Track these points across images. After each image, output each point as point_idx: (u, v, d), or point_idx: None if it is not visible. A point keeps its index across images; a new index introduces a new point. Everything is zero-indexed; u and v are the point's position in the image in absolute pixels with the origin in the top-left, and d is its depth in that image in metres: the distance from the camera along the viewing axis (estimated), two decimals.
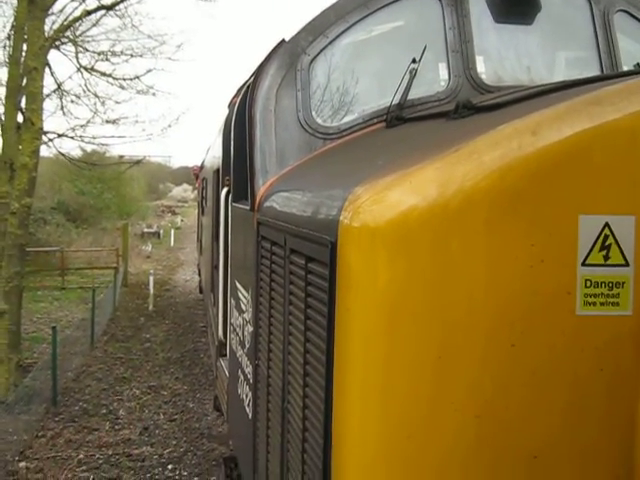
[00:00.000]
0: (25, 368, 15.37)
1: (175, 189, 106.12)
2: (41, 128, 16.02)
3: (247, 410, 5.45)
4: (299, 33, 5.32)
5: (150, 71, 21.98)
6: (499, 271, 2.71)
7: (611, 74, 4.53)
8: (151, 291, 24.64)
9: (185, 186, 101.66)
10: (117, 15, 20.21)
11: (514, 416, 2.74)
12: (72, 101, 20.85)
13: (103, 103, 21.30)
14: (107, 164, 31.00)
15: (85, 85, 20.76)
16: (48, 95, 19.46)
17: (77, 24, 19.43)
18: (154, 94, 22.34)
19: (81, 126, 20.61)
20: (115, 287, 24.61)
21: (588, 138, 2.72)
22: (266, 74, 5.20)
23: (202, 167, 19.45)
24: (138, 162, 27.18)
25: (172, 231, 51.13)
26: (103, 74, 21.13)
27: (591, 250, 2.73)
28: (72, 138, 20.51)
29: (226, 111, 8.75)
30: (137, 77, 21.70)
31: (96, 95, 21.13)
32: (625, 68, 5.60)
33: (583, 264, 2.74)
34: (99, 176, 43.59)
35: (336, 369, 2.91)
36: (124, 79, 21.53)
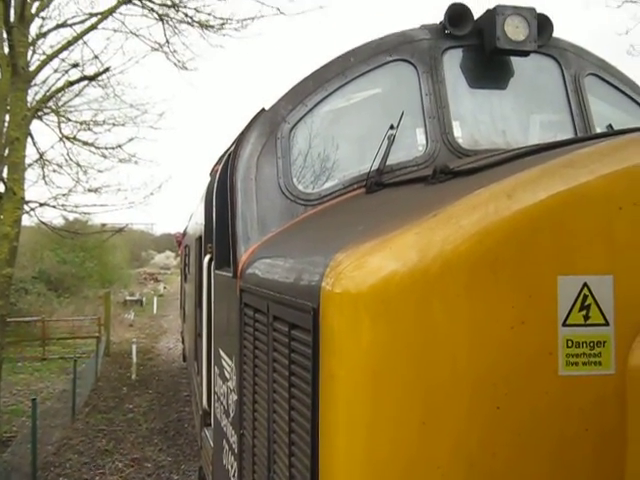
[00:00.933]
0: (4, 442, 15.03)
1: (158, 256, 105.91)
2: (23, 198, 16.06)
3: None
4: (279, 102, 5.42)
5: (132, 140, 22.11)
6: (481, 334, 2.72)
7: (584, 137, 4.63)
8: (134, 360, 24.27)
9: (168, 253, 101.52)
10: (99, 85, 20.39)
11: (500, 478, 2.72)
12: (54, 170, 20.92)
13: (85, 172, 21.38)
14: (89, 233, 30.91)
15: (67, 154, 20.88)
16: (30, 165, 19.56)
17: (60, 94, 19.65)
18: (136, 162, 22.44)
19: (63, 195, 20.60)
20: (97, 357, 24.26)
21: (563, 200, 2.77)
22: (247, 142, 5.27)
23: (185, 234, 19.49)
24: (120, 230, 27.04)
25: (155, 299, 50.98)
26: (85, 143, 21.24)
27: (571, 310, 2.75)
28: (54, 207, 20.49)
29: (208, 179, 8.83)
30: (119, 146, 21.81)
31: (78, 164, 21.22)
32: (598, 130, 5.73)
33: (564, 324, 2.76)
34: (81, 245, 43.35)
35: (321, 437, 2.89)
36: (106, 148, 21.63)
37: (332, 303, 2.84)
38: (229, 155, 5.74)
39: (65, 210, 21.32)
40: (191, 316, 12.71)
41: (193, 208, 14.93)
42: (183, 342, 21.19)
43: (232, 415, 5.40)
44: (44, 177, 20.45)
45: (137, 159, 22.37)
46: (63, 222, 30.29)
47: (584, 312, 2.77)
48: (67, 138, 20.66)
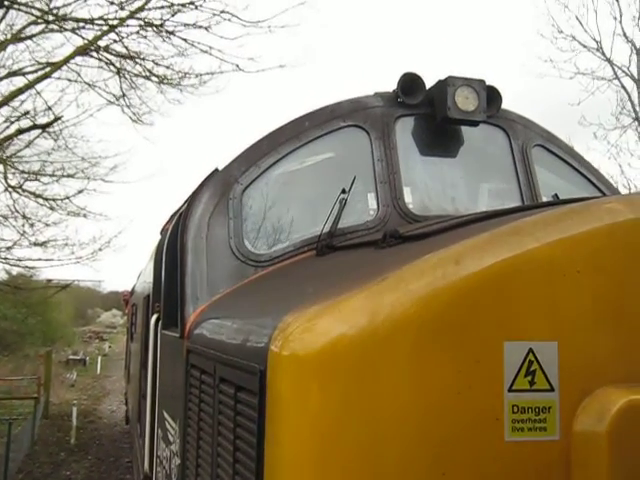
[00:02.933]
0: None
1: (104, 314, 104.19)
2: None
3: None
4: (232, 162, 5.45)
5: (81, 192, 21.84)
6: (428, 398, 2.71)
7: (530, 205, 4.75)
8: (74, 423, 23.03)
9: (114, 311, 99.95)
10: (51, 136, 20.21)
11: None
12: None
13: (32, 225, 21.02)
14: (32, 288, 30.12)
15: (13, 206, 20.48)
16: None
17: (7, 143, 19.37)
18: (85, 215, 22.12)
19: (7, 248, 20.15)
20: (35, 419, 22.91)
21: (508, 267, 2.82)
22: (199, 202, 5.27)
23: (132, 292, 19.16)
24: (66, 287, 26.40)
25: (99, 358, 49.80)
26: (32, 194, 20.84)
27: (517, 376, 2.77)
28: None
29: (158, 237, 8.77)
30: (67, 197, 21.50)
31: (24, 216, 20.84)
32: (544, 198, 5.88)
33: (510, 390, 2.77)
34: (24, 300, 41.78)
35: None
36: (54, 199, 21.27)
37: (279, 365, 2.81)
38: (180, 214, 5.72)
39: (8, 264, 20.80)
40: (136, 376, 12.44)
41: (142, 266, 14.76)
42: (127, 403, 20.64)
43: None
44: None
45: (87, 212, 22.10)
46: (6, 276, 29.62)
47: (529, 377, 2.79)
48: (13, 188, 20.29)
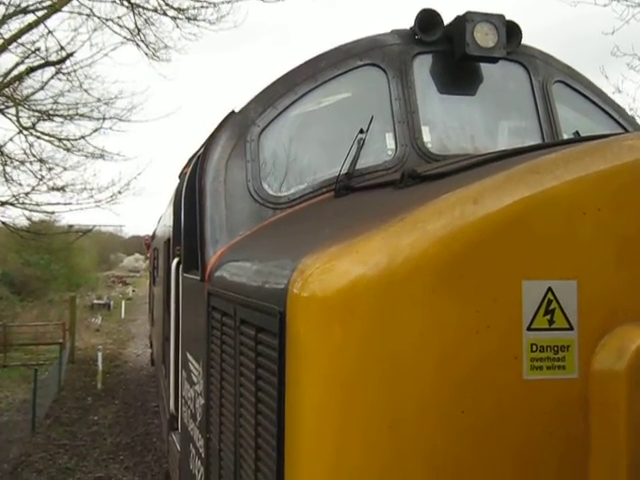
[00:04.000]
0: None
1: (127, 259, 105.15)
2: None
3: None
4: (249, 104, 5.40)
5: (97, 130, 21.27)
6: (446, 337, 2.73)
7: (550, 143, 4.68)
8: (99, 368, 22.55)
9: (137, 256, 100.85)
10: (64, 75, 19.61)
11: None
12: (15, 167, 20.17)
13: (49, 169, 20.67)
14: (53, 233, 29.87)
15: (29, 149, 20.07)
16: None
17: (19, 85, 18.88)
18: (103, 156, 21.65)
19: (26, 194, 19.73)
20: (60, 364, 22.62)
21: (527, 205, 2.80)
22: (216, 145, 5.25)
23: (154, 237, 19.27)
24: (87, 232, 26.23)
25: (123, 302, 49.46)
26: (46, 134, 20.31)
27: (535, 315, 2.78)
28: (13, 205, 19.73)
29: (177, 181, 8.78)
30: (83, 137, 20.97)
31: (41, 160, 20.53)
32: (565, 136, 5.79)
33: (528, 329, 2.78)
34: (47, 246, 41.28)
35: (287, 442, 2.87)
36: (68, 139, 20.73)
37: (299, 307, 2.83)
38: (198, 157, 5.71)
39: (26, 209, 20.47)
40: (159, 319, 12.62)
41: (162, 211, 14.83)
42: (151, 346, 20.92)
43: (199, 419, 5.37)
44: (5, 174, 19.79)
45: (104, 152, 21.54)
46: (28, 223, 29.38)
47: (548, 316, 2.79)
48: (27, 129, 19.80)
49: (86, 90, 20.48)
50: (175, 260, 7.29)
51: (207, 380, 4.84)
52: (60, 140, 20.86)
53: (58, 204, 21.21)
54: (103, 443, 15.92)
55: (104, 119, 21.43)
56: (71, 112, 20.75)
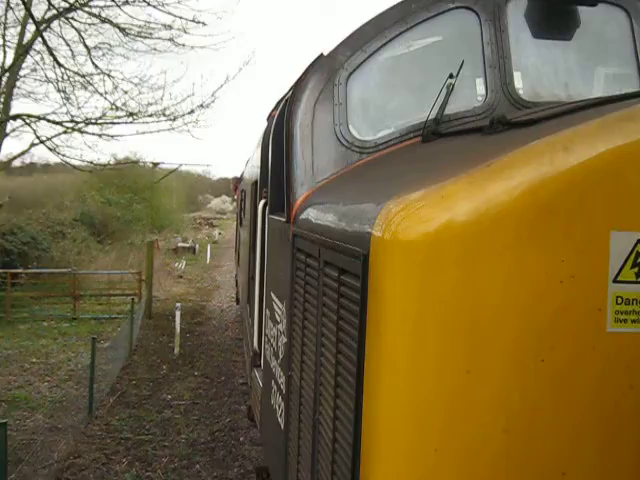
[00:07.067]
0: None
1: (214, 200, 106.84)
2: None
3: (279, 421, 5.49)
4: (337, 48, 5.38)
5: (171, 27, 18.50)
6: (529, 286, 2.72)
7: None
8: (177, 330, 18.84)
9: (224, 197, 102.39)
10: None
11: (542, 432, 2.74)
12: (81, 86, 18.34)
13: (115, 87, 18.68)
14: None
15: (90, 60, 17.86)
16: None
17: None
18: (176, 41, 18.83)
19: (96, 119, 18.00)
20: (132, 323, 18.74)
21: (621, 155, 2.72)
22: (304, 88, 5.26)
23: (241, 179, 19.43)
24: (172, 171, 24.77)
25: (209, 246, 46.59)
26: (106, 21, 17.82)
27: (623, 267, 2.73)
28: (60, 124, 18.08)
29: (265, 123, 8.86)
30: (147, 24, 18.54)
31: (109, 75, 18.59)
32: None
33: (614, 281, 2.73)
34: (131, 185, 39.88)
35: (366, 381, 2.94)
36: (132, 27, 18.27)
37: (382, 250, 2.86)
38: (286, 101, 5.75)
39: (94, 134, 18.36)
40: (245, 260, 12.88)
41: (250, 153, 14.99)
42: (237, 285, 21.29)
43: (281, 357, 5.52)
44: (63, 92, 17.75)
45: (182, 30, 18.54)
46: (112, 160, 27.13)
47: (636, 269, 2.74)
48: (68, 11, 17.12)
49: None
50: (262, 202, 7.41)
51: (290, 319, 4.95)
52: (121, 29, 18.50)
53: (123, 122, 19.08)
54: (175, 440, 12.25)
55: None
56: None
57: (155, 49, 19.66)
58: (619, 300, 2.74)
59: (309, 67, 5.38)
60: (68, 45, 18.55)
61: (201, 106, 19.62)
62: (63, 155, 19.95)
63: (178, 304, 19.76)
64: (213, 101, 19.63)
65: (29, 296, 23.62)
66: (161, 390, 15.20)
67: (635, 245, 2.73)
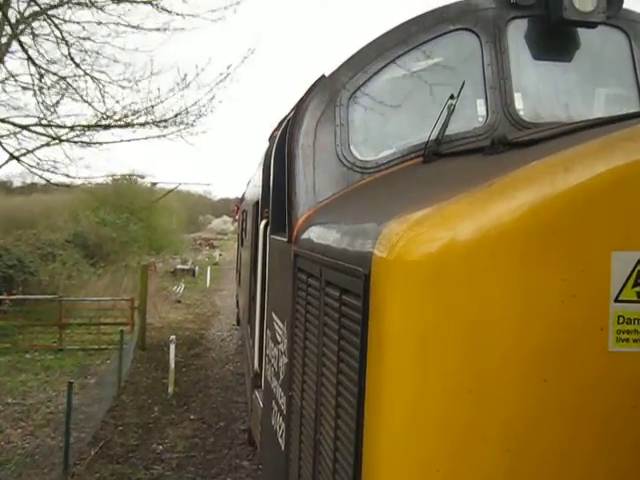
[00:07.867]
0: None
1: (215, 221, 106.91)
2: None
3: (280, 441, 5.46)
4: (339, 69, 5.42)
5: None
6: (532, 305, 2.72)
7: None
8: (171, 366, 16.43)
9: (225, 218, 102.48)
10: None
11: (546, 451, 2.73)
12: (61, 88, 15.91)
13: (103, 86, 15.91)
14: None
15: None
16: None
17: None
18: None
19: (83, 127, 16.10)
20: (120, 357, 16.28)
21: (621, 174, 2.73)
22: (306, 109, 5.30)
23: (242, 200, 19.50)
24: (170, 191, 23.80)
25: (209, 268, 43.85)
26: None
27: (624, 286, 2.73)
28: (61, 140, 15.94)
29: (267, 144, 8.89)
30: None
31: (93, 78, 15.90)
32: None
33: (616, 300, 2.73)
34: (128, 205, 38.31)
35: (367, 402, 2.93)
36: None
37: (383, 270, 2.87)
38: (288, 121, 5.78)
39: (81, 141, 16.07)
40: (246, 280, 12.89)
41: (251, 173, 15.03)
42: (237, 306, 21.26)
43: (282, 377, 5.50)
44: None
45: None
46: (109, 179, 25.18)
47: (637, 289, 2.74)
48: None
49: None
50: (263, 222, 7.43)
51: (291, 339, 4.95)
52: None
53: (103, 126, 16.38)
54: None
55: None
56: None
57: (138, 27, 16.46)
58: (621, 319, 2.74)
59: (311, 88, 5.42)
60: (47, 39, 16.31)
61: (199, 115, 17.48)
62: (43, 170, 17.01)
63: (172, 336, 17.38)
64: (211, 99, 17.31)
65: (12, 324, 21.34)
66: (151, 439, 12.99)
67: (636, 265, 2.73)
